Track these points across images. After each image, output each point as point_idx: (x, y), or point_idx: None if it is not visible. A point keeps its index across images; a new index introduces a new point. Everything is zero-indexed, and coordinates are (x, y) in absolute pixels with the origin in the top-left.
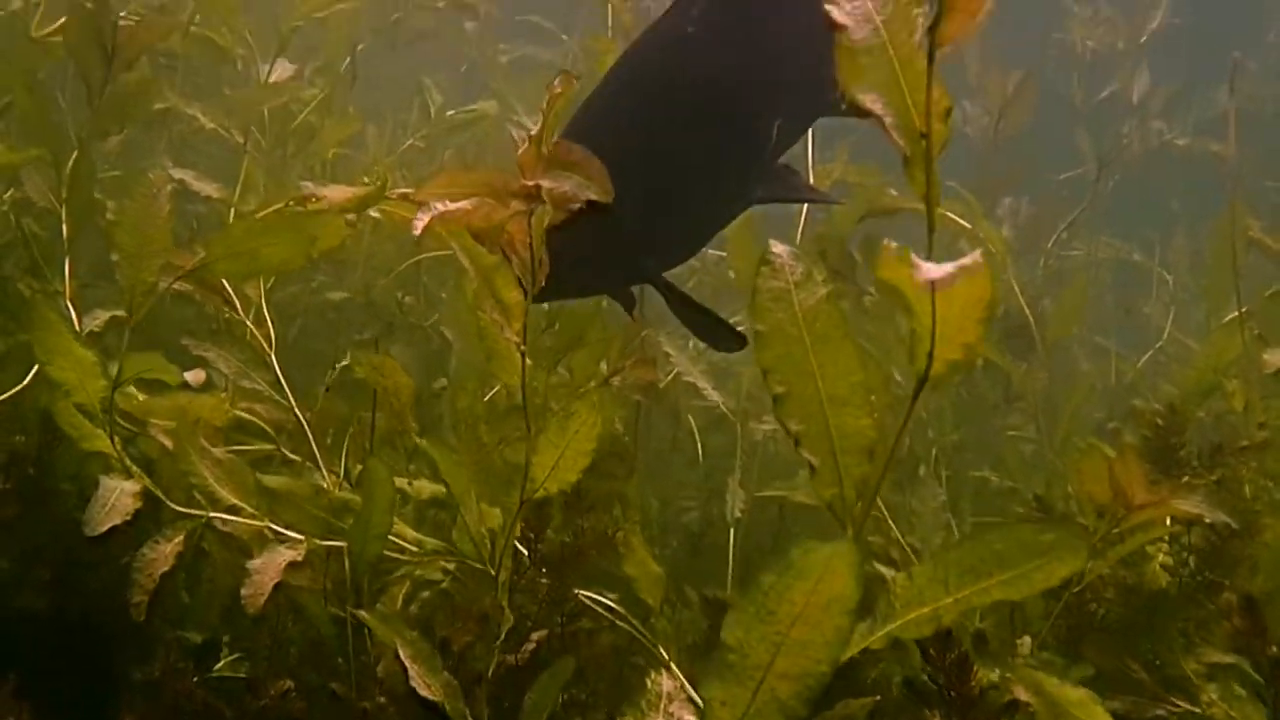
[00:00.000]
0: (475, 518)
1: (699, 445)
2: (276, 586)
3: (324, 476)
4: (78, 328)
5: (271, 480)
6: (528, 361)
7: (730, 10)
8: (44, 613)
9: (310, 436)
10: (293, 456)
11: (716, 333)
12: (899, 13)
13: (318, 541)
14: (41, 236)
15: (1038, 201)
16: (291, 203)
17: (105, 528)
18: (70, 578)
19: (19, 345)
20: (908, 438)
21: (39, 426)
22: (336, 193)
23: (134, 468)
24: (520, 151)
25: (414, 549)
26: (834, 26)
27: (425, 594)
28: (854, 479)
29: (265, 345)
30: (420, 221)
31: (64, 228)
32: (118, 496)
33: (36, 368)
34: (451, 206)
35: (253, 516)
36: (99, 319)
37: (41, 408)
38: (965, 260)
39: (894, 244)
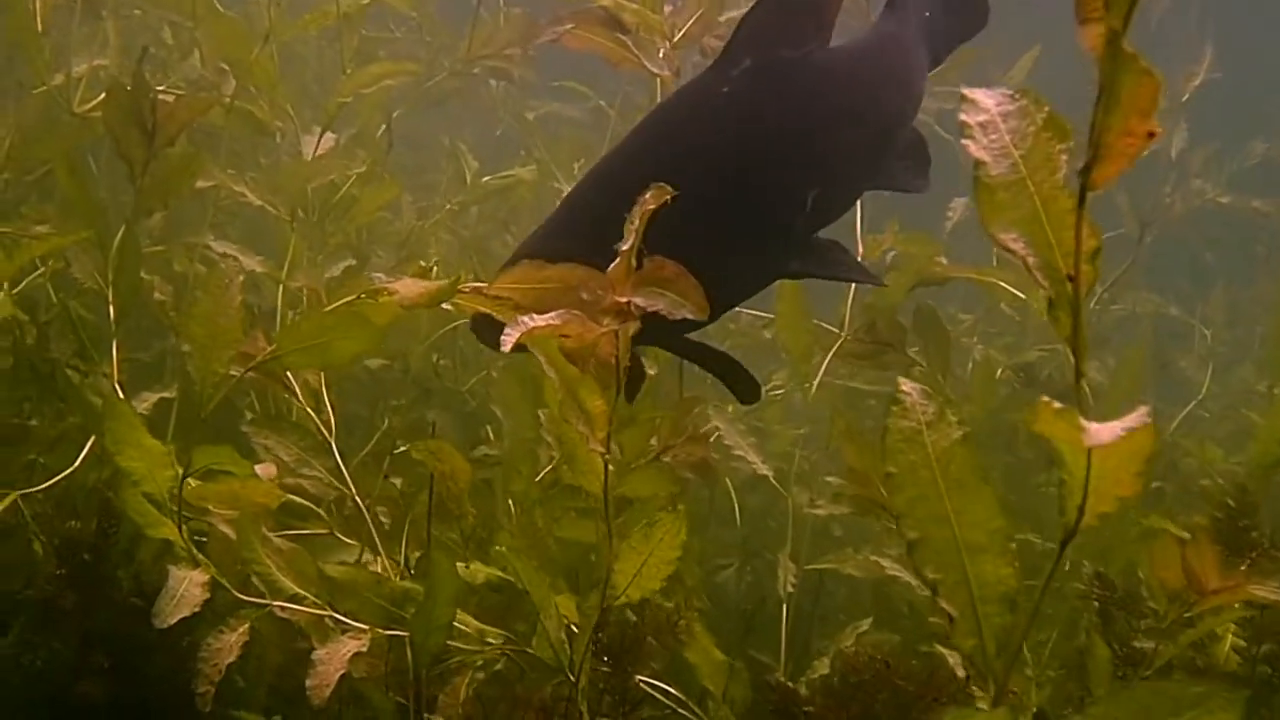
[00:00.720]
0: (556, 624)
1: (736, 506)
2: None
3: (384, 563)
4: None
5: (333, 569)
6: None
7: (773, 74)
8: (102, 699)
9: (370, 522)
10: (350, 542)
11: (735, 378)
12: (1039, 148)
13: (380, 631)
14: (87, 319)
15: None
16: (363, 295)
17: (175, 619)
18: (128, 664)
19: (70, 428)
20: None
21: (96, 512)
22: (409, 287)
23: (200, 557)
24: (612, 268)
25: (475, 638)
26: (973, 161)
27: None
28: (995, 630)
29: (326, 432)
30: (510, 338)
31: (110, 309)
32: (186, 587)
33: (86, 451)
34: (541, 322)
35: (314, 605)
36: (147, 400)
37: (98, 492)
38: (1131, 420)
39: (1053, 402)
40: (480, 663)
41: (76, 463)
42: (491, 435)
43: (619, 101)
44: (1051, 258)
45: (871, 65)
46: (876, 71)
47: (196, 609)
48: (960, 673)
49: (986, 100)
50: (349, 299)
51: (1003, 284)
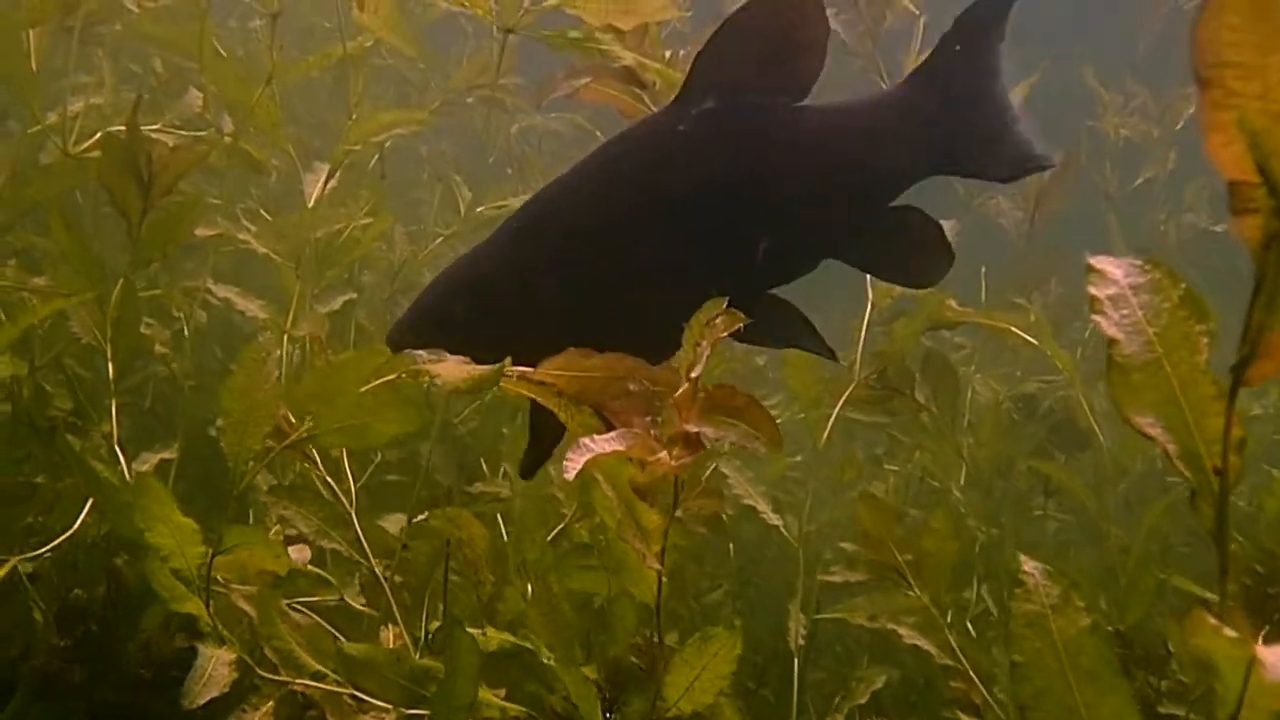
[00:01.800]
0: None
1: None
2: None
3: (405, 638)
4: (128, 473)
5: (351, 647)
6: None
7: (732, 120)
8: None
9: (389, 593)
10: (370, 611)
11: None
12: (1175, 327)
13: (402, 710)
14: (85, 376)
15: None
16: (405, 375)
17: (204, 700)
18: None
19: (68, 488)
20: None
21: (99, 579)
22: (452, 370)
23: (228, 635)
24: (678, 394)
25: (496, 711)
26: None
27: None
28: None
29: (346, 503)
30: (574, 465)
31: (109, 366)
32: (214, 666)
33: (84, 512)
34: (605, 449)
35: (335, 683)
36: (148, 462)
37: (98, 556)
38: None
39: (1210, 618)
40: None
41: (76, 524)
42: (486, 468)
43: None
44: (1192, 444)
45: (845, 130)
46: (850, 138)
47: (225, 689)
48: None
49: (1115, 271)
50: (389, 378)
51: (1014, 329)
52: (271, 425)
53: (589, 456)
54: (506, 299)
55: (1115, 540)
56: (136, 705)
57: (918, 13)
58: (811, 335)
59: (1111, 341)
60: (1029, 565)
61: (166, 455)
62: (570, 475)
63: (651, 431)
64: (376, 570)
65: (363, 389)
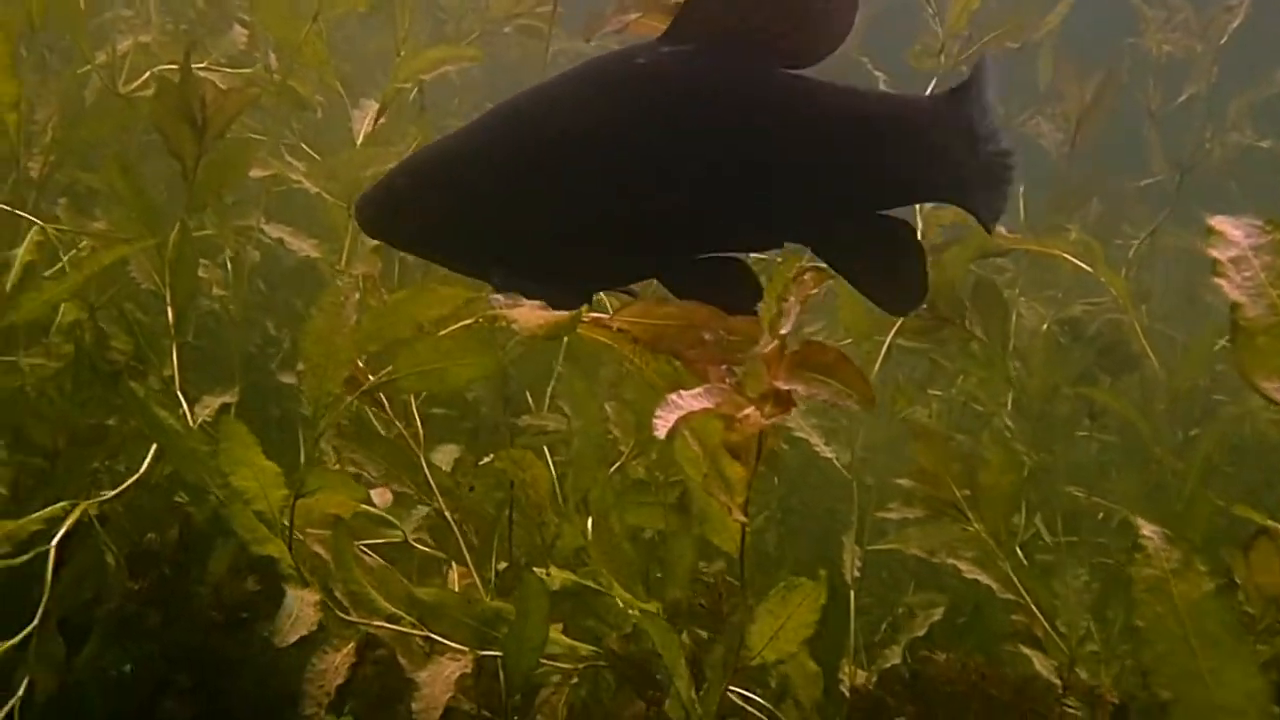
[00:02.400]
0: (687, 685)
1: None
2: None
3: (474, 579)
4: (190, 418)
5: (423, 591)
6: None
7: (698, 66)
8: (186, 717)
9: (459, 538)
10: (439, 554)
11: None
12: None
13: (475, 652)
14: (144, 321)
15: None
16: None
17: (294, 638)
18: (211, 683)
19: (132, 432)
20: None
21: (168, 523)
22: (528, 315)
23: (310, 577)
24: (766, 351)
25: (565, 652)
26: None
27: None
28: None
29: (415, 446)
30: (664, 422)
31: (169, 311)
32: (300, 607)
33: (150, 457)
34: (695, 407)
35: (411, 626)
36: (210, 406)
37: (163, 498)
38: None
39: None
40: (575, 679)
41: (142, 469)
42: (531, 401)
43: None
44: None
45: (856, 118)
46: (862, 129)
47: (313, 628)
48: (1056, 681)
49: (1235, 232)
50: (467, 322)
51: (1066, 255)
52: (350, 369)
53: (680, 414)
54: (465, 192)
55: (1164, 462)
56: (208, 646)
57: None
58: (747, 293)
59: (1234, 305)
60: (1148, 529)
61: (226, 399)
62: (661, 433)
63: (735, 385)
64: (446, 513)
65: (441, 333)
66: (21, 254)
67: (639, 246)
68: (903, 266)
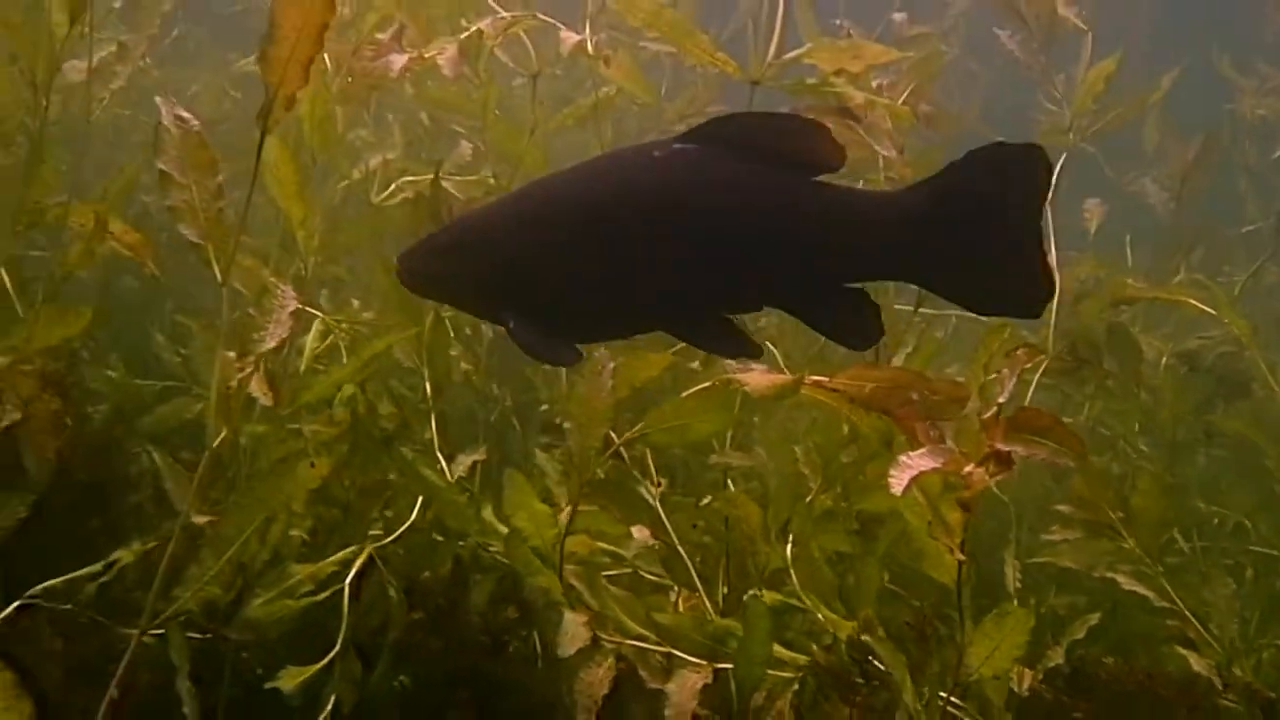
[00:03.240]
0: (912, 697)
1: None
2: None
3: (705, 603)
4: (449, 474)
5: (661, 615)
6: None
7: (707, 160)
8: None
9: (690, 567)
10: (670, 583)
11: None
12: None
13: (710, 665)
14: (406, 394)
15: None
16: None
17: (572, 651)
18: (483, 699)
19: (401, 488)
20: None
21: (450, 562)
22: (758, 380)
23: (578, 603)
24: (984, 417)
25: (784, 663)
26: None
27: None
28: None
29: (652, 491)
30: (900, 481)
31: (426, 385)
32: (574, 627)
33: (419, 506)
34: (925, 467)
35: (654, 644)
36: (463, 463)
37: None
38: None
39: None
40: (796, 686)
41: (413, 515)
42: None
43: None
44: None
45: (801, 210)
46: (802, 218)
47: (586, 643)
48: (1215, 679)
49: None
50: (705, 385)
51: (1192, 301)
52: (608, 428)
53: (913, 473)
54: (490, 255)
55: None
56: (479, 669)
57: (1086, 29)
58: (748, 352)
59: None
60: None
61: (477, 457)
62: (898, 490)
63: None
64: (680, 549)
65: (684, 394)
66: (310, 341)
67: (636, 309)
68: (862, 322)
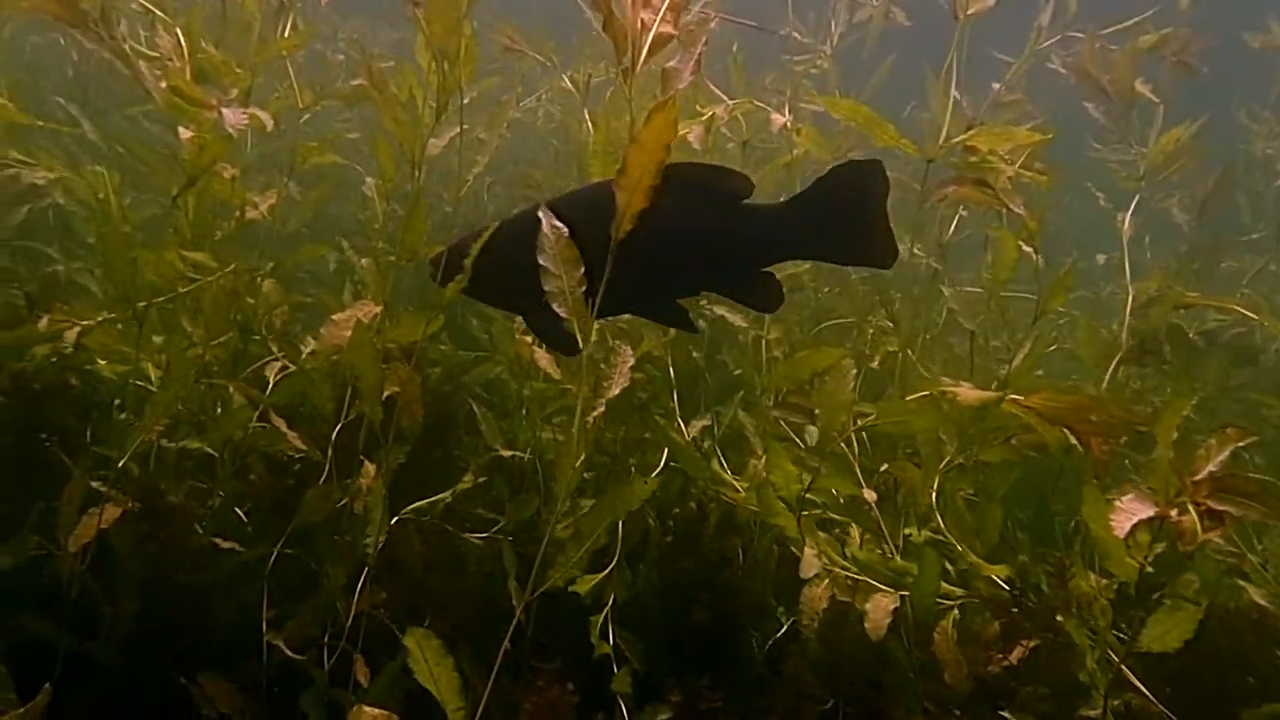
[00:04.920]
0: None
1: None
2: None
3: (889, 545)
4: (686, 435)
5: (858, 553)
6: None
7: (676, 192)
8: (706, 621)
9: (879, 518)
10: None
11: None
12: None
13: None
14: (657, 374)
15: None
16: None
17: (811, 575)
18: (717, 600)
19: (651, 444)
20: None
21: (693, 503)
22: (967, 395)
23: (811, 539)
24: (1195, 478)
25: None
26: None
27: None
28: None
29: (852, 457)
30: (1122, 525)
31: (670, 372)
32: (809, 558)
33: (663, 461)
34: (1144, 515)
35: (854, 575)
36: (696, 427)
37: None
38: None
39: None
40: (956, 614)
41: (660, 464)
42: None
43: None
44: None
45: (734, 223)
46: (734, 228)
47: (819, 572)
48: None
49: None
50: (926, 393)
51: (1238, 309)
52: (849, 416)
53: (1134, 520)
54: (510, 265)
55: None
56: (712, 578)
57: (1158, 102)
58: (689, 327)
59: None
60: None
61: (704, 423)
62: (1121, 533)
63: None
64: (872, 506)
65: (908, 398)
66: None
67: (621, 299)
68: (768, 291)
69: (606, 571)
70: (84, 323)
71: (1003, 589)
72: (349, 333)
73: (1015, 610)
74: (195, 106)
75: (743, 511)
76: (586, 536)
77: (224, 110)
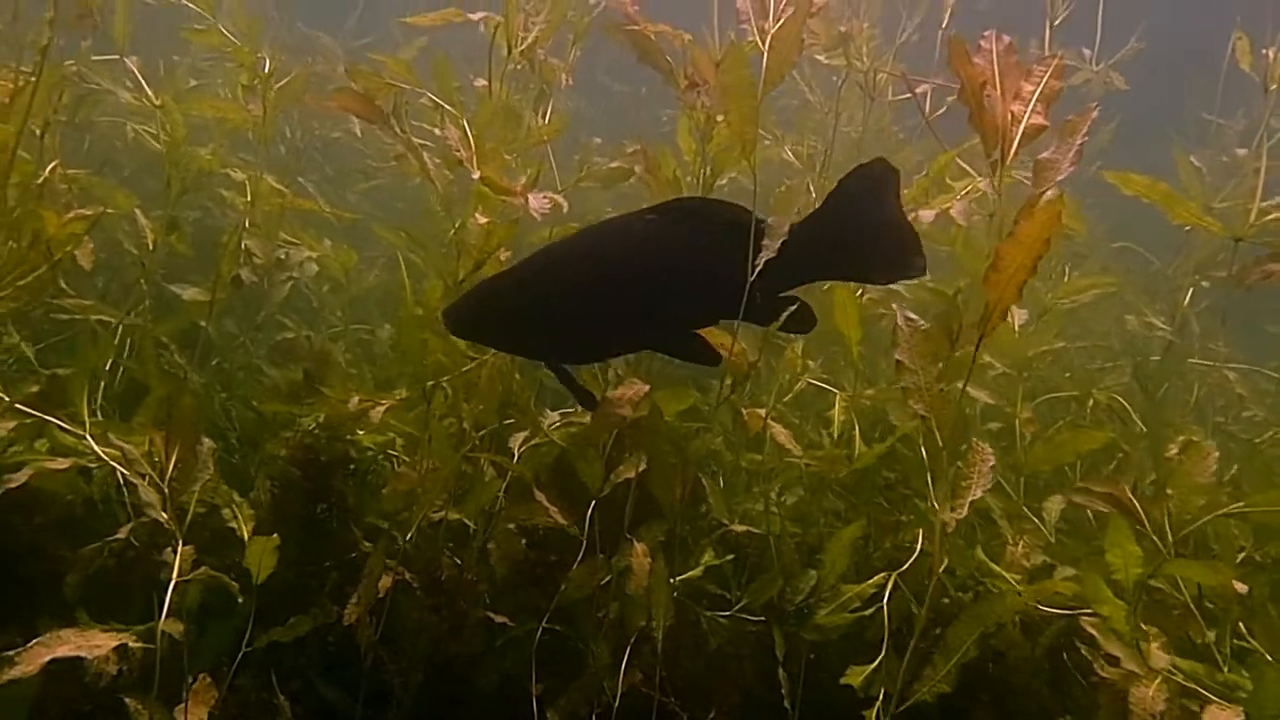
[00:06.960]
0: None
1: None
2: None
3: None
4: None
5: (1182, 661)
6: None
7: (676, 225)
8: None
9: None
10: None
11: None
12: None
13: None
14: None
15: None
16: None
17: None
18: (1000, 697)
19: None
20: None
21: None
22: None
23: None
24: None
25: None
26: None
27: None
28: None
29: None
30: None
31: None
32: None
33: (921, 541)
34: None
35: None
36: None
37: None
38: None
39: None
40: None
41: (917, 551)
42: None
43: None
44: None
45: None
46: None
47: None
48: None
49: None
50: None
51: None
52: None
53: None
54: (519, 312)
55: None
56: (990, 676)
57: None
58: (710, 359)
59: None
60: None
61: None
62: None
63: None
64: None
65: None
66: (837, 414)
67: (631, 335)
68: (796, 315)
69: (875, 664)
70: (384, 402)
71: None
72: (625, 410)
73: None
74: (500, 194)
75: (1012, 601)
76: (954, 650)
77: (529, 196)
